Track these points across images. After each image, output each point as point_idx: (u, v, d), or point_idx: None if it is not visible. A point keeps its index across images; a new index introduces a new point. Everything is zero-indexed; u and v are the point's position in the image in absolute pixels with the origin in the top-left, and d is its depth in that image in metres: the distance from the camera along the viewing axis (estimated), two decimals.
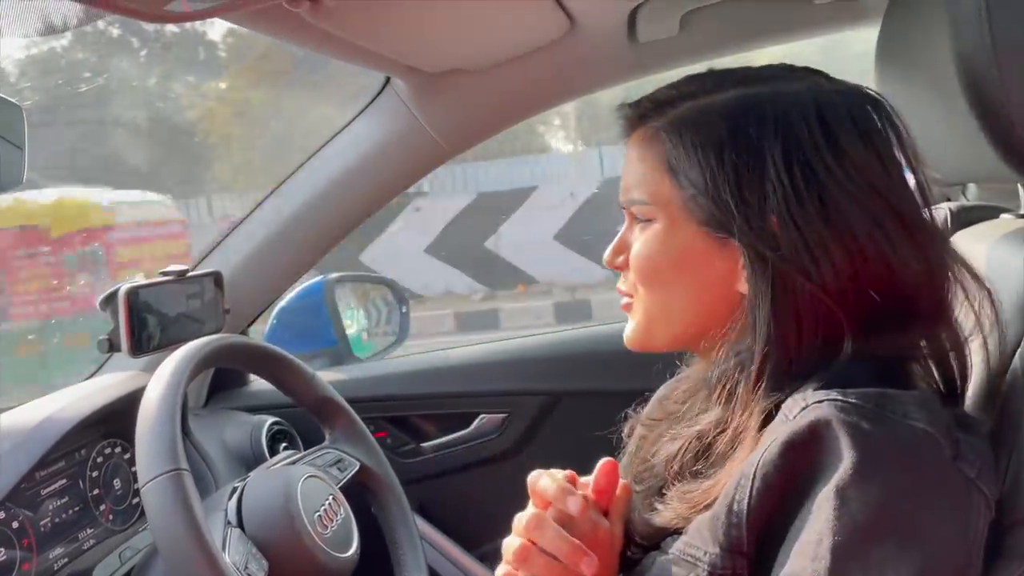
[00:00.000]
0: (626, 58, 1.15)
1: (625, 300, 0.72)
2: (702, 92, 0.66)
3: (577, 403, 1.29)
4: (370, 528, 1.02)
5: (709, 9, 1.08)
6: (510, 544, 0.64)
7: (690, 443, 0.64)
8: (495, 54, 1.09)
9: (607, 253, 0.72)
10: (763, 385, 0.60)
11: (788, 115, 0.61)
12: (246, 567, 0.80)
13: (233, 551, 0.81)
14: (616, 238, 0.72)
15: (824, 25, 1.18)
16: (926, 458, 0.53)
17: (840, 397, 0.55)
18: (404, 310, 1.72)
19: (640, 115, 0.68)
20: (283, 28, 0.88)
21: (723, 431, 0.62)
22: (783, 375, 0.60)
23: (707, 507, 0.59)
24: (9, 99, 0.70)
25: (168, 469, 0.76)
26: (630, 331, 0.71)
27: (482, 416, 1.41)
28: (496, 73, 1.13)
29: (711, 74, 0.68)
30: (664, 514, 0.63)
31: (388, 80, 1.17)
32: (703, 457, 0.63)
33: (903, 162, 0.63)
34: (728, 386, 0.63)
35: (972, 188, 1.07)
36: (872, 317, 0.60)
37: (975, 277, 0.63)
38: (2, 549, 0.87)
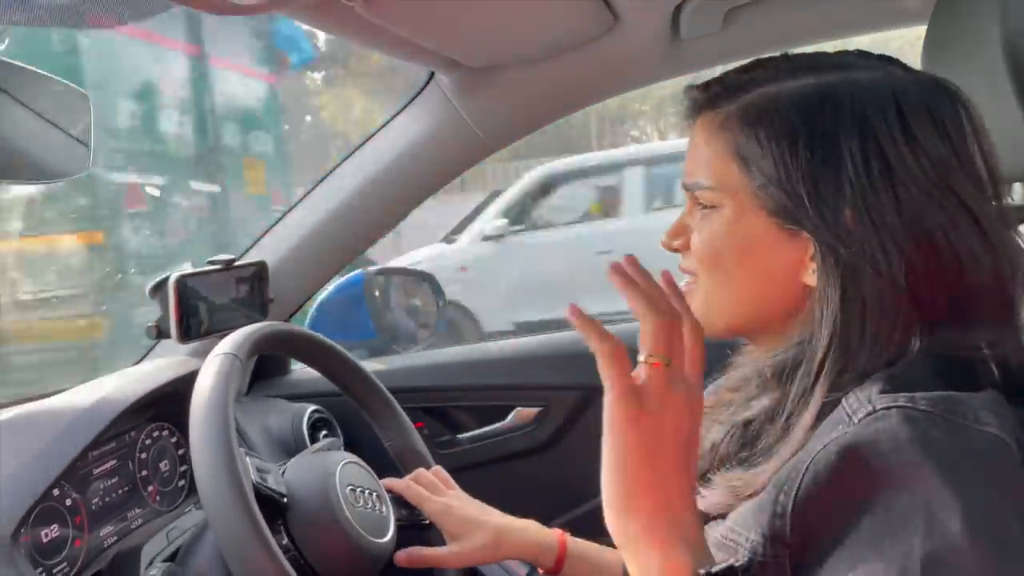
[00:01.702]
0: (668, 55, 1.15)
1: (688, 281, 0.70)
2: (774, 78, 0.64)
3: None
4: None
5: (753, 6, 1.07)
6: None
7: (737, 430, 0.64)
8: (539, 50, 1.10)
9: (665, 235, 0.71)
10: (822, 379, 0.59)
11: (864, 106, 0.60)
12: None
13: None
14: (674, 222, 0.71)
15: (870, 23, 1.16)
16: (999, 464, 0.52)
17: (909, 404, 0.53)
18: (441, 303, 1.74)
19: (710, 99, 0.67)
20: (336, 22, 0.89)
21: (773, 421, 0.62)
22: (844, 370, 0.59)
23: (751, 496, 0.59)
24: (76, 87, 0.73)
25: (223, 450, 0.78)
26: (694, 312, 0.68)
27: (518, 409, 1.42)
28: (539, 69, 1.13)
29: (784, 59, 0.66)
30: (708, 500, 0.63)
31: (432, 75, 1.18)
32: (750, 445, 0.63)
33: (978, 156, 0.61)
34: (784, 378, 0.62)
35: (1018, 188, 1.06)
36: (939, 314, 0.59)
37: None
38: (55, 525, 0.90)
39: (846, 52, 0.66)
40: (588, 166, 6.29)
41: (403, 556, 0.93)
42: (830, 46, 1.19)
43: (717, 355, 0.80)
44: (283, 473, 0.90)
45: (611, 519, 0.56)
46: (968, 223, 0.59)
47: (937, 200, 0.58)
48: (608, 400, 0.56)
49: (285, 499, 0.84)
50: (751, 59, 0.69)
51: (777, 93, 0.63)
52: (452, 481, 1.03)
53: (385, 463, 1.07)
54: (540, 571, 0.97)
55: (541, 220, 5.95)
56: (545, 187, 5.97)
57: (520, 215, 5.86)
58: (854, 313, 0.59)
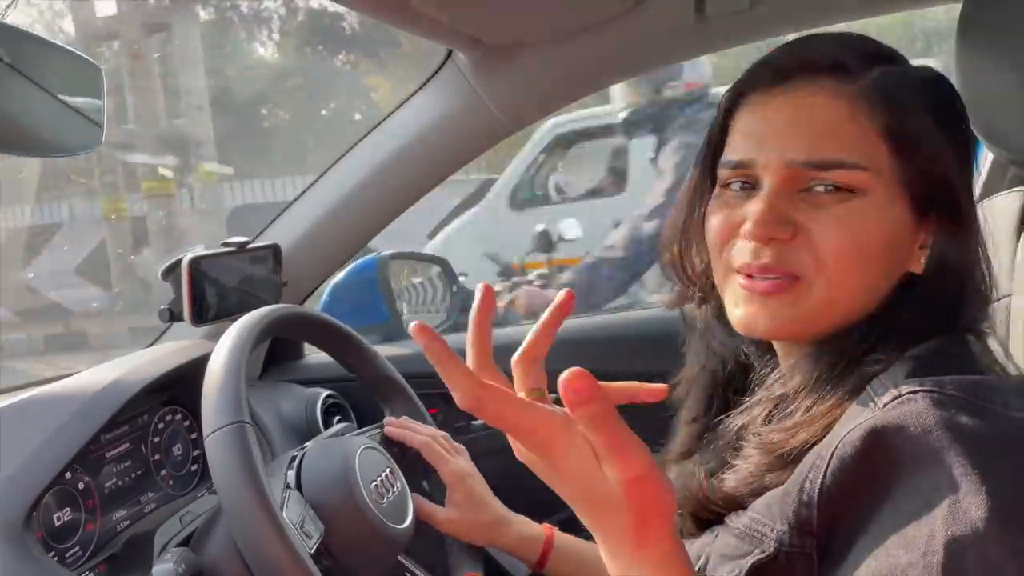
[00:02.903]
0: (692, 33, 1.12)
1: (778, 282, 0.61)
2: (884, 57, 0.63)
3: None
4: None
5: None
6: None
7: (773, 405, 0.63)
8: (560, 27, 1.07)
9: (763, 225, 0.60)
10: (880, 358, 0.59)
11: (958, 96, 0.63)
12: (302, 526, 0.81)
13: (291, 511, 0.82)
14: (765, 205, 0.61)
15: (901, 2, 1.14)
16: None
17: (936, 388, 0.52)
18: (455, 288, 1.73)
19: (839, 63, 0.61)
20: None
21: (811, 392, 0.61)
22: (914, 349, 0.59)
23: (782, 460, 0.58)
24: (90, 59, 0.71)
25: (232, 420, 0.77)
26: (790, 317, 0.62)
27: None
28: (560, 47, 1.11)
29: (874, 41, 0.65)
30: (740, 470, 0.61)
31: (450, 53, 1.16)
32: (783, 418, 0.61)
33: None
34: (837, 360, 0.61)
35: None
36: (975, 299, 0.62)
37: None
38: (68, 509, 0.89)
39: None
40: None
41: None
42: (858, 25, 1.17)
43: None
44: (300, 460, 0.89)
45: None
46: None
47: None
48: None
49: (324, 534, 0.83)
50: (777, 37, 0.68)
51: (914, 72, 0.63)
52: (461, 447, 1.05)
53: (399, 446, 1.05)
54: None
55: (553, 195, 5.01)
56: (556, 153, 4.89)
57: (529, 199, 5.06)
58: (953, 295, 0.61)
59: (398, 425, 1.03)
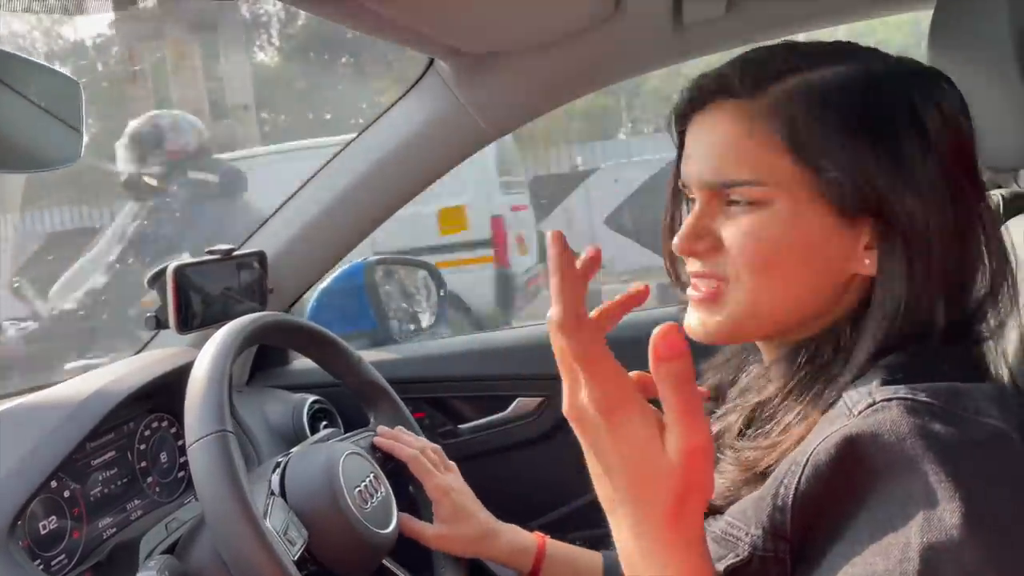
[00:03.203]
0: (671, 40, 1.13)
1: (708, 288, 0.65)
2: (808, 65, 0.62)
3: None
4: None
5: None
6: None
7: (749, 412, 0.64)
8: (539, 36, 1.09)
9: (681, 240, 0.65)
10: (863, 366, 0.59)
11: (909, 90, 0.60)
12: (286, 532, 0.82)
13: (274, 518, 0.83)
14: (688, 223, 0.65)
15: (875, 7, 1.15)
16: (1001, 457, 0.51)
17: (909, 395, 0.53)
18: (442, 293, 1.74)
19: (739, 86, 0.63)
20: (332, 7, 0.88)
21: (783, 401, 0.61)
22: (882, 356, 0.59)
23: (758, 476, 0.59)
24: (67, 75, 0.72)
25: (215, 430, 0.78)
26: (714, 323, 0.65)
27: (519, 399, 1.41)
28: (540, 55, 1.12)
29: (805, 45, 0.65)
30: (717, 483, 0.61)
31: (432, 62, 1.17)
32: (760, 426, 0.62)
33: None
34: (804, 363, 0.62)
35: None
36: (958, 298, 0.61)
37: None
38: (53, 517, 0.90)
39: (841, 42, 0.66)
40: None
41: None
42: (837, 32, 1.18)
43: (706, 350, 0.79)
44: (284, 467, 0.90)
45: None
46: (978, 197, 0.61)
47: (968, 180, 0.60)
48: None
49: (308, 540, 0.84)
50: (754, 44, 0.68)
51: (822, 79, 0.61)
52: (451, 463, 1.04)
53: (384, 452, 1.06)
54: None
55: None
56: None
57: None
58: (912, 297, 0.59)
59: (388, 436, 1.03)
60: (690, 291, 0.67)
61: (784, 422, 0.60)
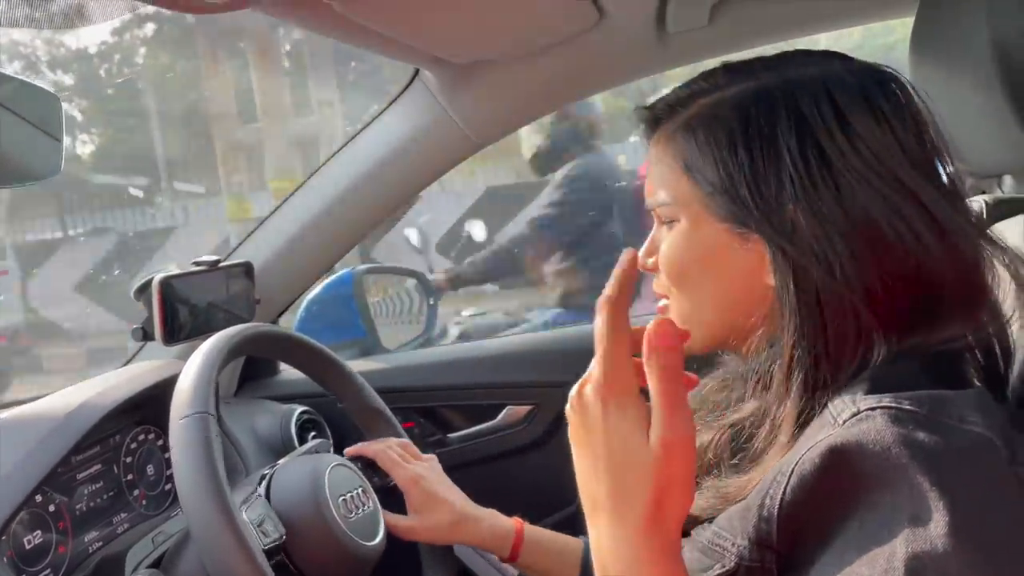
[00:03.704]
0: (655, 50, 1.14)
1: (662, 302, 0.71)
2: (715, 88, 0.65)
3: None
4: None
5: None
6: None
7: (723, 433, 0.64)
8: (524, 45, 1.09)
9: (640, 255, 0.70)
10: (796, 379, 0.59)
11: (798, 101, 0.60)
12: (261, 524, 0.82)
13: (252, 511, 0.83)
14: (647, 240, 0.71)
15: (858, 15, 1.16)
16: (985, 464, 0.51)
17: (893, 404, 0.53)
18: (432, 302, 1.74)
19: (657, 117, 0.68)
20: (313, 19, 0.88)
21: (759, 424, 0.61)
22: (819, 370, 0.58)
23: (739, 501, 0.59)
24: (47, 89, 0.72)
25: (197, 410, 0.79)
26: None
27: (508, 407, 1.41)
28: (524, 64, 1.12)
29: (723, 68, 0.67)
30: (697, 503, 0.62)
31: (417, 72, 1.17)
32: (739, 451, 0.62)
33: (920, 140, 0.61)
34: (762, 380, 0.62)
35: (1008, 180, 1.05)
36: (905, 310, 0.58)
37: (1013, 260, 0.61)
38: (39, 531, 0.89)
39: (786, 52, 0.66)
40: None
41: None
42: (820, 40, 1.19)
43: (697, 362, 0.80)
44: (270, 479, 0.89)
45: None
46: (915, 210, 0.58)
47: (879, 189, 0.58)
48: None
49: (284, 536, 0.83)
50: (738, 53, 0.69)
51: (716, 101, 0.64)
52: (427, 456, 1.04)
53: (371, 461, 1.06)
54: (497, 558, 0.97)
55: None
56: None
57: None
58: (812, 311, 0.59)
59: (358, 451, 1.02)
60: None
61: (757, 449, 0.61)
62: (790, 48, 0.67)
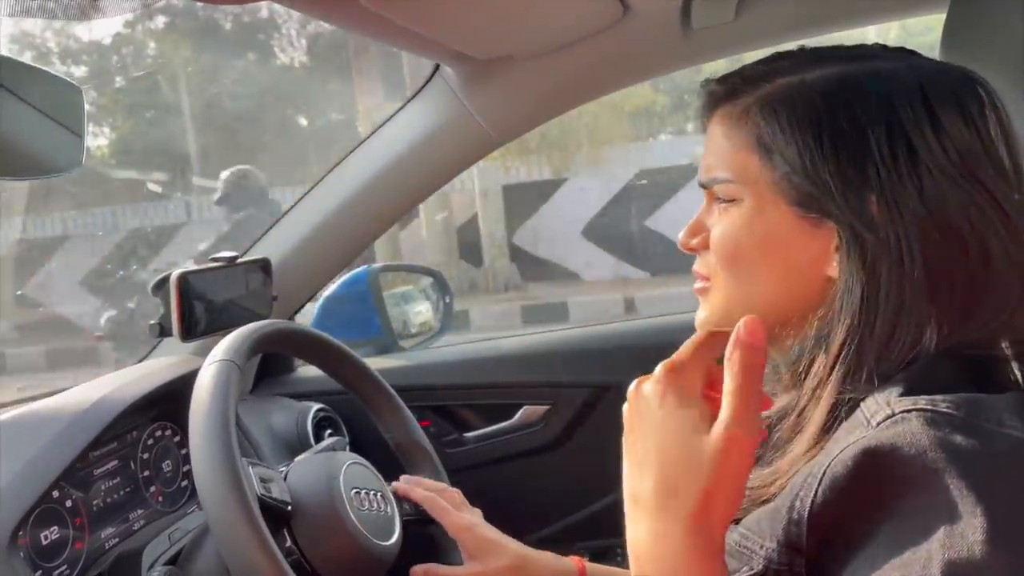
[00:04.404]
0: (679, 45, 1.13)
1: (701, 284, 0.69)
2: (795, 69, 0.63)
3: (621, 397, 1.28)
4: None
5: None
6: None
7: None
8: (546, 41, 1.08)
9: (682, 234, 0.69)
10: (836, 374, 0.58)
11: (890, 93, 0.59)
12: (266, 483, 0.83)
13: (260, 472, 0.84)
14: (691, 221, 0.69)
15: (887, 11, 1.14)
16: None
17: (929, 406, 0.51)
18: (448, 300, 1.73)
19: (728, 92, 0.66)
20: (336, 12, 0.88)
21: (786, 417, 0.61)
22: (859, 367, 0.57)
23: (766, 501, 0.57)
24: (69, 80, 0.71)
25: (224, 357, 0.82)
26: (704, 316, 0.68)
27: (525, 407, 1.40)
28: (546, 61, 1.11)
29: (804, 51, 0.66)
30: None
31: (437, 67, 1.16)
32: (763, 443, 0.61)
33: (1002, 146, 0.60)
34: (800, 373, 0.61)
35: None
36: (956, 311, 0.58)
37: None
38: (55, 527, 0.89)
39: (865, 44, 0.65)
40: None
41: (420, 571, 0.90)
42: (846, 36, 1.17)
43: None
44: (286, 475, 0.89)
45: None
46: (994, 211, 0.58)
47: (963, 187, 0.58)
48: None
49: (290, 507, 0.83)
50: (764, 50, 0.68)
51: (800, 82, 0.62)
52: (468, 504, 0.99)
53: (392, 461, 1.05)
54: None
55: None
56: None
57: None
58: (878, 305, 0.58)
59: (408, 482, 0.98)
60: None
61: (784, 443, 0.60)
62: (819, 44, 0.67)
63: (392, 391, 1.08)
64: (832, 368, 0.58)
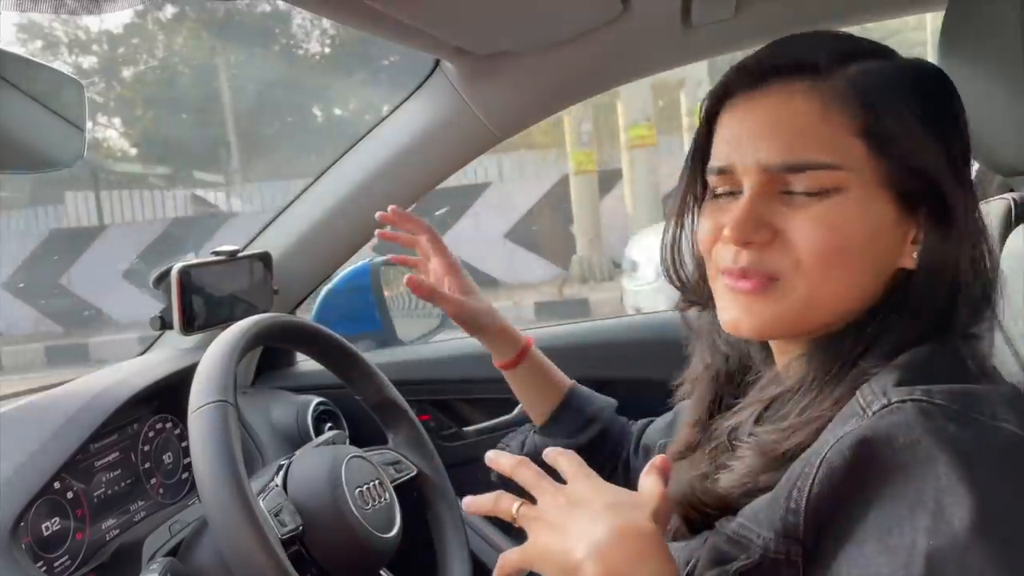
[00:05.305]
0: (679, 41, 1.13)
1: (755, 282, 0.61)
2: (864, 53, 0.61)
3: (618, 391, 1.28)
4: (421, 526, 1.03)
5: None
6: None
7: (761, 408, 0.63)
8: (546, 37, 1.08)
9: (739, 230, 0.61)
10: (870, 357, 0.59)
11: (954, 89, 0.62)
12: (278, 514, 0.82)
13: (269, 500, 0.83)
14: (744, 209, 0.61)
15: (887, 9, 1.14)
16: (1016, 462, 0.51)
17: (925, 397, 0.52)
18: None
19: (824, 64, 0.60)
20: (337, 7, 0.88)
21: (804, 391, 0.61)
22: (894, 350, 0.59)
23: (777, 462, 0.58)
24: (71, 75, 0.72)
25: (216, 399, 0.78)
26: (772, 316, 0.62)
27: None
28: (546, 56, 1.11)
29: (849, 37, 0.63)
30: (735, 470, 0.61)
31: (438, 63, 1.16)
32: (774, 419, 0.62)
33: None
34: (830, 358, 0.61)
35: None
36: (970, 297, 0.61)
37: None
38: (57, 518, 0.90)
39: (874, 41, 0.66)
40: None
41: (409, 282, 0.97)
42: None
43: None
44: (287, 469, 0.89)
45: None
46: (975, 201, 0.62)
47: (973, 178, 0.62)
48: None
49: (301, 527, 0.83)
50: (762, 46, 0.67)
51: (898, 67, 0.62)
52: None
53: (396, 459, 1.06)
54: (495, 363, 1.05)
55: None
56: None
57: None
58: (952, 299, 0.60)
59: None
60: (727, 282, 0.64)
61: (803, 405, 0.60)
62: None
63: (390, 384, 1.08)
64: (888, 354, 0.59)
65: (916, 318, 0.59)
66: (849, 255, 0.59)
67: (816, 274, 0.59)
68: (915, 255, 0.60)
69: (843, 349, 0.61)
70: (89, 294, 8.67)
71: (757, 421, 0.63)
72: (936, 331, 0.59)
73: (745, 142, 0.62)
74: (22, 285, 8.75)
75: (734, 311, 0.63)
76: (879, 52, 0.63)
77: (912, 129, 0.59)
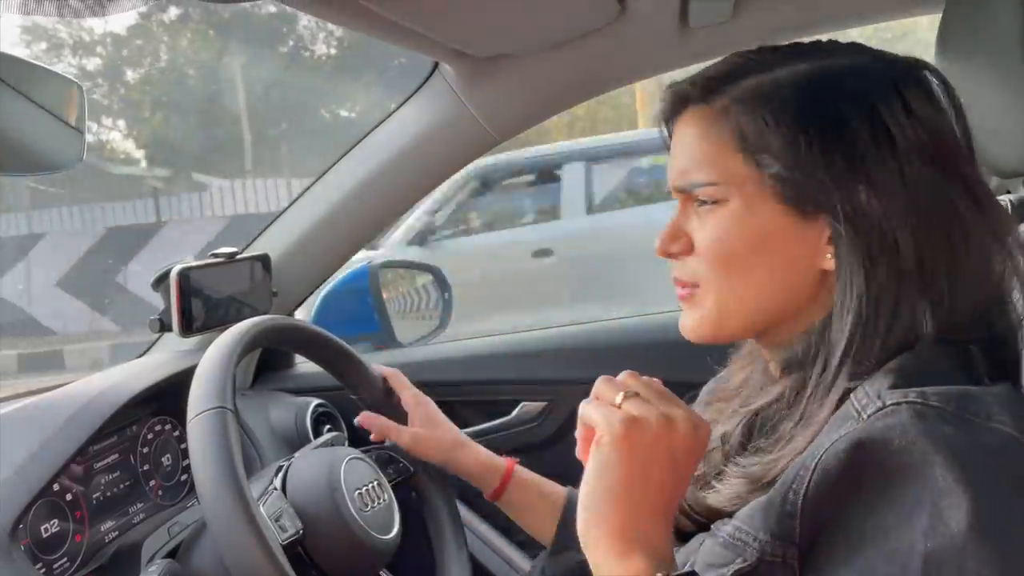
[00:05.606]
0: (676, 44, 1.13)
1: (685, 290, 0.67)
2: (765, 66, 0.64)
3: None
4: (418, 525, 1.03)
5: None
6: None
7: (748, 419, 0.64)
8: (544, 39, 1.08)
9: (661, 241, 0.68)
10: (846, 366, 0.59)
11: (866, 85, 0.61)
12: (278, 519, 0.82)
13: (269, 505, 0.83)
14: (667, 225, 0.68)
15: (883, 10, 1.15)
16: (1011, 463, 0.51)
17: (919, 400, 0.52)
18: (447, 296, 1.73)
19: (700, 92, 0.65)
20: (335, 10, 0.88)
21: (790, 407, 0.61)
22: (870, 358, 0.58)
23: (766, 486, 0.58)
24: (69, 78, 0.72)
25: (215, 405, 0.78)
26: (694, 322, 0.67)
27: (523, 404, 1.41)
28: (544, 59, 1.12)
29: (767, 49, 0.66)
30: (722, 492, 0.62)
31: (436, 65, 1.17)
32: (761, 434, 0.62)
33: (968, 134, 0.63)
34: (794, 368, 0.62)
35: None
36: (942, 294, 0.59)
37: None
38: (56, 520, 0.90)
39: (821, 41, 0.66)
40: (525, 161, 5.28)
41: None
42: (842, 35, 1.17)
43: (714, 357, 0.79)
44: (287, 471, 0.89)
45: (580, 519, 0.57)
46: (968, 203, 0.60)
47: (937, 170, 0.59)
48: (603, 423, 0.58)
49: (302, 530, 0.83)
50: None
51: (775, 79, 0.63)
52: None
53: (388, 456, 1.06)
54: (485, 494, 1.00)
55: (475, 221, 5.33)
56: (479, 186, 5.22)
57: (452, 216, 5.16)
58: (874, 295, 0.59)
59: (364, 422, 1.03)
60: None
61: (786, 432, 0.60)
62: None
63: (392, 391, 1.08)
64: (841, 361, 0.59)
65: (856, 322, 0.59)
66: (739, 261, 0.63)
67: (717, 279, 0.65)
68: (829, 256, 0.61)
69: (813, 356, 0.62)
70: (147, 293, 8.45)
71: (744, 439, 0.65)
72: (906, 330, 0.59)
73: (669, 165, 0.68)
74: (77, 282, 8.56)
75: (681, 317, 0.69)
76: (794, 59, 0.63)
77: (778, 136, 0.61)
